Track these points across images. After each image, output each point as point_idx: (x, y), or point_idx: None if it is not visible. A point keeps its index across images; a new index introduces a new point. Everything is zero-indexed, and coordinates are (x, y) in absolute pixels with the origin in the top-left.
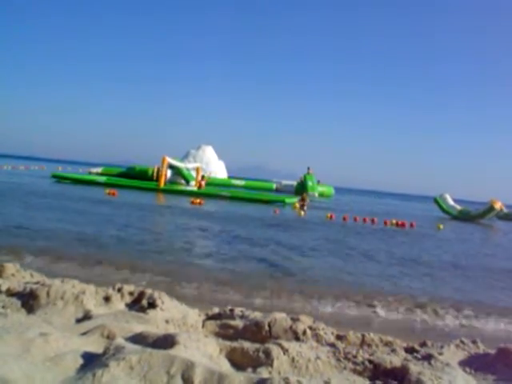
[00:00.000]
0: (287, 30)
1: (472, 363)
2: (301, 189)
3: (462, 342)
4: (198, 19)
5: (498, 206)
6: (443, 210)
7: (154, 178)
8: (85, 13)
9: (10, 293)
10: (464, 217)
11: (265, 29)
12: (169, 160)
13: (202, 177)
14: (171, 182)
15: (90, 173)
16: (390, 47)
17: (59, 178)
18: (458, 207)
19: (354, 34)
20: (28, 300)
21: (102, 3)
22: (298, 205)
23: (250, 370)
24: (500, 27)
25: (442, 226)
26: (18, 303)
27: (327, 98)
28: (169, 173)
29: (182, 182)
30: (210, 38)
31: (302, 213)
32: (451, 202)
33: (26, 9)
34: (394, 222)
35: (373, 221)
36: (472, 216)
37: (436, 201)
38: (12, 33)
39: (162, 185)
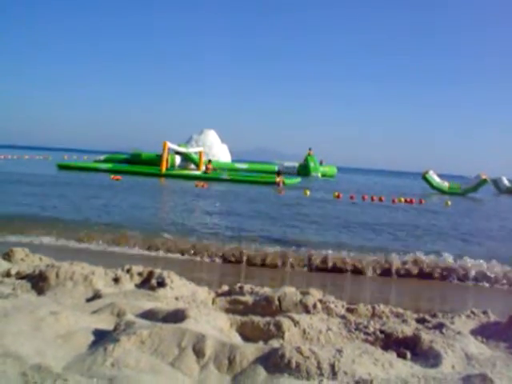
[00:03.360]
0: (289, 8)
1: (483, 332)
2: (303, 170)
3: (473, 312)
4: (199, 3)
5: (486, 177)
6: (433, 187)
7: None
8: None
9: (19, 276)
10: (454, 192)
11: (266, 8)
12: (169, 145)
13: (209, 161)
14: (181, 167)
15: (96, 161)
16: (395, 25)
17: (65, 168)
18: (446, 183)
19: (360, 13)
20: (38, 282)
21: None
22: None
23: (261, 342)
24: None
25: (449, 202)
26: (28, 285)
27: (329, 79)
28: (178, 159)
29: (192, 166)
30: (212, 21)
31: (308, 192)
32: (438, 178)
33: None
34: (403, 199)
35: (380, 199)
36: (464, 190)
37: (425, 178)
38: (15, 29)
39: (163, 170)
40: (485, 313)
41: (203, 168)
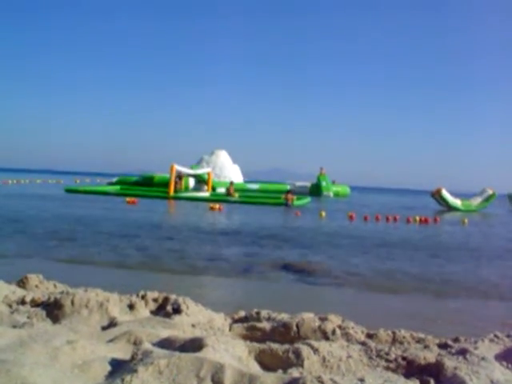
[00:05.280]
0: (301, 33)
1: (508, 357)
2: (315, 189)
3: (496, 336)
4: (210, 22)
5: (494, 192)
6: (448, 205)
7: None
8: (98, 17)
9: (34, 303)
10: (468, 209)
11: (277, 32)
12: (177, 167)
13: (231, 183)
14: (196, 189)
15: (108, 183)
16: (398, 48)
17: (72, 192)
18: (458, 200)
19: (368, 35)
20: (53, 310)
21: (114, 7)
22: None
23: (280, 371)
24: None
25: (466, 221)
26: (43, 313)
27: (340, 100)
28: (192, 181)
29: (205, 188)
30: (223, 41)
31: (323, 213)
32: (450, 196)
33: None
34: (418, 218)
35: (395, 218)
36: (475, 207)
37: (440, 196)
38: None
39: (171, 192)
40: (509, 336)
41: (222, 190)
